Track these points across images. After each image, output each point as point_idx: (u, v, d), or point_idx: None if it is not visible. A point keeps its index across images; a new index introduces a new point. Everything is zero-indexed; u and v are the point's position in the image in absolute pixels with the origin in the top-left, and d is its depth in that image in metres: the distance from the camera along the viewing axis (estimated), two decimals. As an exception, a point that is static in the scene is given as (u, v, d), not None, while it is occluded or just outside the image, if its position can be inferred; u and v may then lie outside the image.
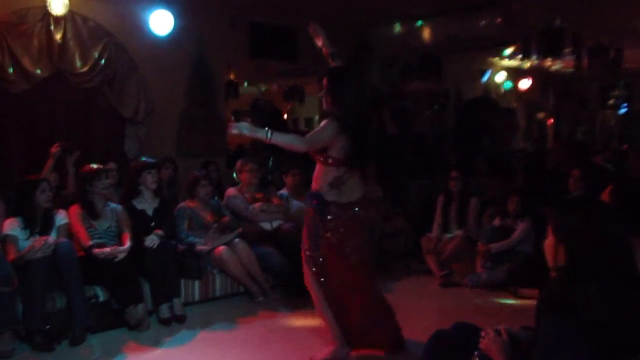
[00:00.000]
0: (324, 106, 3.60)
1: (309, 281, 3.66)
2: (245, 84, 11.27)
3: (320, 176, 3.55)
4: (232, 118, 9.49)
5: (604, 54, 8.57)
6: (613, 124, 13.09)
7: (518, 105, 11.96)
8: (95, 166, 4.76)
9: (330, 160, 3.48)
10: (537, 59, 8.57)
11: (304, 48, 7.95)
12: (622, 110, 12.76)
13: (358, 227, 3.57)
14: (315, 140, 3.47)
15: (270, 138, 3.31)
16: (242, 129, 3.31)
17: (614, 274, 1.91)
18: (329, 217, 3.50)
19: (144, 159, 5.29)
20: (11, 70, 5.68)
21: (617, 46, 8.65)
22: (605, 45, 8.48)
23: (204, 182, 5.37)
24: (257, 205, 5.56)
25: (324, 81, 3.54)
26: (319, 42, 3.89)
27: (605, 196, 4.70)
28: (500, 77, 11.11)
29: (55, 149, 5.31)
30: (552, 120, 12.92)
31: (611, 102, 12.69)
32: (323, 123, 3.46)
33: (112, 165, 5.56)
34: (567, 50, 7.96)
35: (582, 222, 2.00)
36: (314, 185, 3.59)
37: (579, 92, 12.57)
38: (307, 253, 3.61)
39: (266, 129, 3.31)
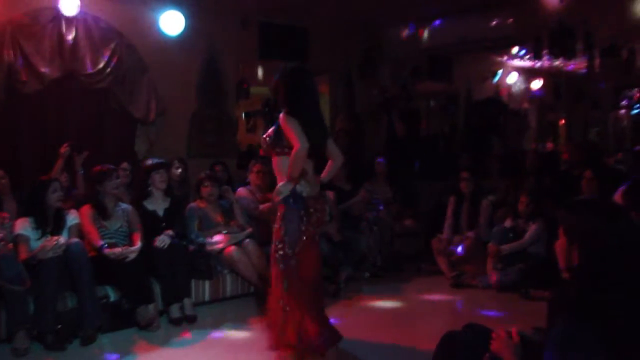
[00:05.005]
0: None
1: (277, 281, 3.59)
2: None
3: (282, 168, 3.59)
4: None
5: (617, 54, 8.50)
6: (626, 125, 12.97)
7: (529, 106, 11.88)
8: (105, 166, 4.78)
9: (287, 150, 3.52)
10: (549, 59, 8.51)
11: (315, 48, 7.95)
12: (635, 111, 12.63)
13: (324, 214, 3.73)
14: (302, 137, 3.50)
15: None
16: (282, 193, 3.49)
17: (629, 277, 1.89)
18: (310, 210, 3.56)
19: (152, 159, 5.30)
20: (23, 71, 5.71)
21: (630, 46, 8.57)
22: (618, 45, 8.41)
23: (206, 182, 5.37)
24: (267, 205, 5.56)
25: (277, 82, 3.62)
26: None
27: (617, 198, 4.65)
28: (512, 77, 11.04)
29: (64, 149, 5.34)
30: (563, 121, 12.83)
31: (624, 102, 12.57)
32: (290, 123, 3.46)
33: (125, 165, 5.61)
34: (579, 50, 7.90)
35: (595, 223, 1.98)
36: (280, 181, 3.62)
37: (591, 93, 12.46)
38: (281, 252, 3.55)
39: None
